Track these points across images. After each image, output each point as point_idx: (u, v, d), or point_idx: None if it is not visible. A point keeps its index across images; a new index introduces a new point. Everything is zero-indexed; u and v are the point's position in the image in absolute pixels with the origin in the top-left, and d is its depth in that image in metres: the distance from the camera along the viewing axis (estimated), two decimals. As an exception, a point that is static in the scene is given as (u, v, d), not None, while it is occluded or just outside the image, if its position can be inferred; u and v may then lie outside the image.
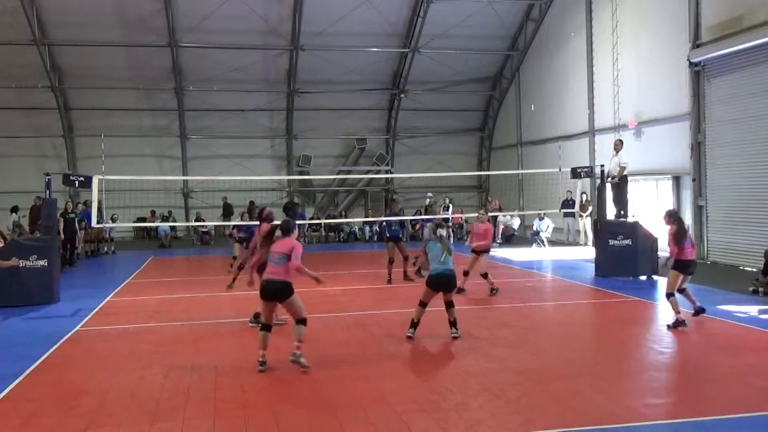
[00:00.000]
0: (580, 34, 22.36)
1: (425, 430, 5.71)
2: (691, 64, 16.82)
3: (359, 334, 9.50)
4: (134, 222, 25.52)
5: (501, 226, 23.50)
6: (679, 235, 9.43)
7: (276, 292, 7.59)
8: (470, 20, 24.65)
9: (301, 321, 7.66)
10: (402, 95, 27.86)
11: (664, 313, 11.17)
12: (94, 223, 15.82)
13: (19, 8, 21.97)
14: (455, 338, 8.90)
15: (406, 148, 29.33)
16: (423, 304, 9.07)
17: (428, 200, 24.99)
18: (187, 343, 9.05)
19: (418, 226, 24.79)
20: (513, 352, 8.39)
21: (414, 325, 9.07)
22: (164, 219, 25.54)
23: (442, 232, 9.37)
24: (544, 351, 8.45)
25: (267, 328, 7.72)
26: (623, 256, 14.32)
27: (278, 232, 7.93)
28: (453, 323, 9.05)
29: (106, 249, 22.09)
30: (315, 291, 13.37)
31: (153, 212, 26.23)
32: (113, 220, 22.06)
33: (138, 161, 25.88)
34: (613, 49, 20.40)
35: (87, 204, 19.95)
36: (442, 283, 8.94)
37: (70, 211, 18.73)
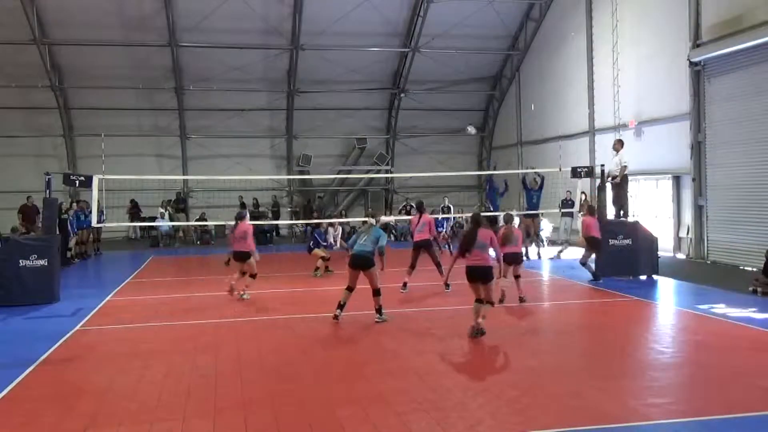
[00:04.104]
0: (580, 34, 22.36)
1: (425, 430, 5.71)
2: (691, 64, 16.83)
3: (359, 334, 9.50)
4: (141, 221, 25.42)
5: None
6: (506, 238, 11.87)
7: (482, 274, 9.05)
8: (470, 20, 24.64)
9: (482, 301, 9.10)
10: (402, 95, 27.84)
11: (664, 313, 11.20)
12: (94, 223, 15.84)
13: (19, 8, 21.95)
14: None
15: (406, 147, 29.32)
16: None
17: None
18: (187, 343, 9.03)
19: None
20: (513, 352, 8.40)
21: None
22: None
23: (372, 221, 10.97)
24: (543, 351, 8.45)
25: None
26: (623, 256, 14.30)
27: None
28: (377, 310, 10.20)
29: (91, 250, 21.17)
30: (316, 291, 13.48)
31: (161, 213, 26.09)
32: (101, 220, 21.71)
33: (138, 161, 25.86)
34: (613, 49, 20.39)
35: (82, 205, 19.85)
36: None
37: (63, 212, 18.31)
